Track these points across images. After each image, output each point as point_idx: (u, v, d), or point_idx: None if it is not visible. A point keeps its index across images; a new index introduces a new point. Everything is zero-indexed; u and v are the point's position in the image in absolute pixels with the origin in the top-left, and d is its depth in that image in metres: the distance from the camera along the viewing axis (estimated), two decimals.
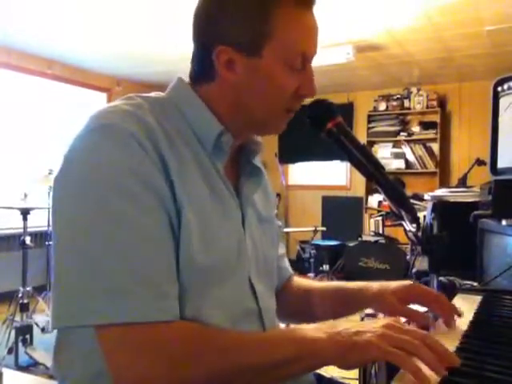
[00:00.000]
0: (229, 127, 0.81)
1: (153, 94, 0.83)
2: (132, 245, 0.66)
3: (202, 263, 0.72)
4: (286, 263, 1.10)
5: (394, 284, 0.92)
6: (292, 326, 1.10)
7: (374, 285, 0.95)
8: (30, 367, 2.95)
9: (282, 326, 0.99)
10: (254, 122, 0.83)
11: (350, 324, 0.70)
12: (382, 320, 0.69)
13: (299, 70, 0.80)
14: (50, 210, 0.73)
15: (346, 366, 0.66)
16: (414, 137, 5.90)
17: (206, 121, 0.81)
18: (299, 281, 1.10)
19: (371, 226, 5.81)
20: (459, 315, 0.88)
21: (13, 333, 3.09)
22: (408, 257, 3.52)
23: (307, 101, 0.87)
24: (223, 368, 0.66)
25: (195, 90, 0.83)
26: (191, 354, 0.66)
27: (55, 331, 0.79)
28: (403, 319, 0.85)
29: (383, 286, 0.93)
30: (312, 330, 0.70)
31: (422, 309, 0.90)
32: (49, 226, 4.10)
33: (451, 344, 0.76)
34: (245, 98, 0.80)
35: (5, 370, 2.35)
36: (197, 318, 0.72)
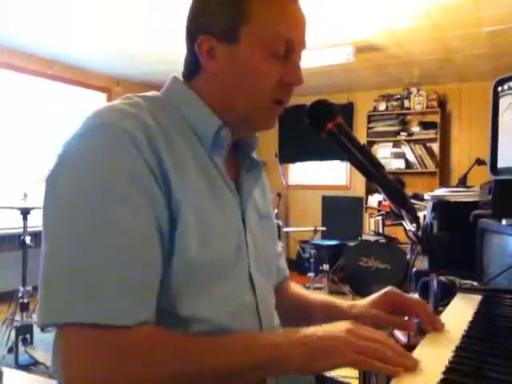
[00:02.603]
0: (224, 121, 0.81)
1: (150, 93, 0.83)
2: (113, 245, 0.65)
3: (199, 262, 0.72)
4: (284, 263, 1.10)
5: (374, 295, 0.94)
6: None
7: (359, 301, 0.97)
8: (30, 366, 2.95)
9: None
10: (239, 113, 0.82)
11: (311, 328, 0.70)
12: (341, 324, 0.70)
13: (283, 58, 0.79)
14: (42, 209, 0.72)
15: (312, 372, 0.67)
16: (413, 137, 5.90)
17: (204, 116, 0.81)
18: (295, 288, 1.10)
19: (371, 225, 5.81)
20: (440, 328, 0.84)
21: (13, 332, 3.09)
22: (408, 256, 3.52)
23: (308, 101, 0.87)
24: (182, 376, 0.64)
25: (189, 86, 0.83)
26: (153, 364, 0.63)
27: (55, 330, 0.79)
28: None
29: (365, 300, 0.95)
30: (276, 335, 0.70)
31: None
32: None
33: (451, 344, 0.76)
34: (228, 87, 0.80)
35: (5, 370, 2.36)
36: (195, 314, 0.72)
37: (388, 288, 0.95)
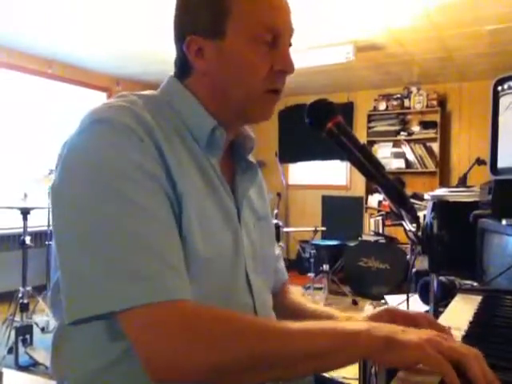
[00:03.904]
0: (219, 120, 0.81)
1: (146, 92, 0.83)
2: (143, 228, 0.65)
3: (202, 255, 0.72)
4: (282, 265, 1.09)
5: (375, 311, 0.89)
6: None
7: (359, 316, 0.93)
8: (30, 367, 2.95)
9: None
10: (235, 108, 0.82)
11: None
12: (426, 330, 0.65)
13: (272, 46, 0.79)
14: (52, 208, 0.71)
15: (384, 362, 0.63)
16: (414, 136, 5.90)
17: (199, 117, 0.81)
18: (294, 295, 1.08)
19: (371, 225, 5.81)
20: (448, 332, 0.81)
21: (13, 333, 3.09)
22: (408, 256, 3.52)
23: (308, 100, 0.87)
24: (261, 351, 0.63)
25: (184, 87, 0.83)
26: (231, 333, 0.64)
27: (55, 331, 0.79)
28: None
29: (368, 316, 0.89)
30: (354, 322, 0.68)
31: None
32: (49, 225, 4.10)
33: None
34: (220, 83, 0.80)
35: (5, 370, 2.36)
36: None
37: (385, 307, 0.91)
